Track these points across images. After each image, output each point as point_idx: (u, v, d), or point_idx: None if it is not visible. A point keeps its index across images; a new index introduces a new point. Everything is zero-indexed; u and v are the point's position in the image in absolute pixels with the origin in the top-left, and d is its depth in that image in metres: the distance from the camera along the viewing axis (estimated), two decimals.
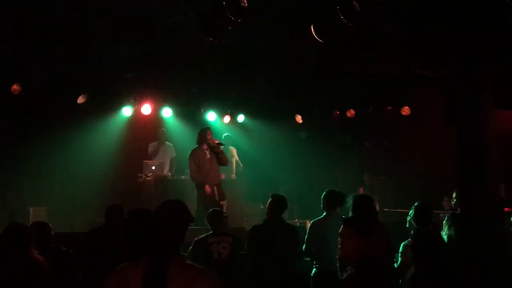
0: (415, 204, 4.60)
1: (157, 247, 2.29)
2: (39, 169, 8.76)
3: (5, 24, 6.15)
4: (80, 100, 8.71)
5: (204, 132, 7.77)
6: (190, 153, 7.71)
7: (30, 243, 3.70)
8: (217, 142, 7.72)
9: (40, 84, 8.25)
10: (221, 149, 7.76)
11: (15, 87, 7.96)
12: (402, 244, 4.49)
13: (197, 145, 7.74)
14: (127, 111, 9.33)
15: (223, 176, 9.66)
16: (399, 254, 4.51)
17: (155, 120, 9.77)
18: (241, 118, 10.52)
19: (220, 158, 7.74)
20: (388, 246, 4.21)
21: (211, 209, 5.32)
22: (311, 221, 5.21)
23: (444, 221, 4.77)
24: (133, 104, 9.31)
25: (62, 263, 4.34)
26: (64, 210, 8.55)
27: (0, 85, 7.89)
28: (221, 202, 7.48)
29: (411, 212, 4.67)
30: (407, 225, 4.84)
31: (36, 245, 3.84)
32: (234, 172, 10.01)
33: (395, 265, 4.43)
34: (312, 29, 5.30)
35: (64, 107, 8.80)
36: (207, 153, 7.65)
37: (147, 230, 2.42)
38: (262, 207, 8.73)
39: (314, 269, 5.11)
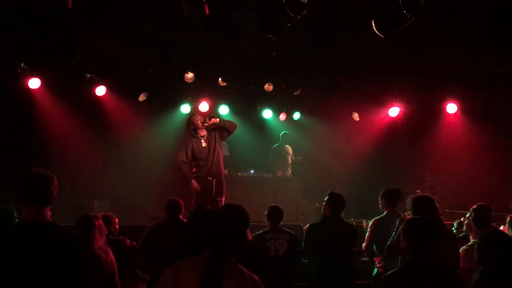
0: (474, 207, 4.35)
1: (219, 247, 2.33)
2: (103, 164, 9.11)
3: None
4: (141, 98, 8.98)
5: (190, 119, 6.93)
6: (186, 140, 6.90)
7: (103, 235, 3.85)
8: (211, 120, 6.83)
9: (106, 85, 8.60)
10: (218, 120, 6.87)
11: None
12: (460, 249, 4.14)
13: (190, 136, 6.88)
14: (185, 108, 9.54)
15: (279, 174, 9.72)
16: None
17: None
18: (296, 115, 10.47)
19: (227, 128, 6.86)
20: (453, 250, 4.03)
21: (271, 205, 5.28)
22: (373, 220, 5.11)
23: (508, 222, 4.57)
24: (191, 102, 9.50)
25: (126, 255, 4.51)
26: (126, 204, 8.84)
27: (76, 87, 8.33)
28: (217, 199, 6.59)
29: (468, 214, 4.44)
30: (454, 228, 4.71)
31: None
32: (290, 169, 10.00)
33: None
34: (373, 24, 5.17)
35: (126, 105, 9.11)
36: (203, 141, 6.85)
37: (210, 230, 2.46)
38: (317, 205, 8.67)
39: (376, 269, 5.02)
